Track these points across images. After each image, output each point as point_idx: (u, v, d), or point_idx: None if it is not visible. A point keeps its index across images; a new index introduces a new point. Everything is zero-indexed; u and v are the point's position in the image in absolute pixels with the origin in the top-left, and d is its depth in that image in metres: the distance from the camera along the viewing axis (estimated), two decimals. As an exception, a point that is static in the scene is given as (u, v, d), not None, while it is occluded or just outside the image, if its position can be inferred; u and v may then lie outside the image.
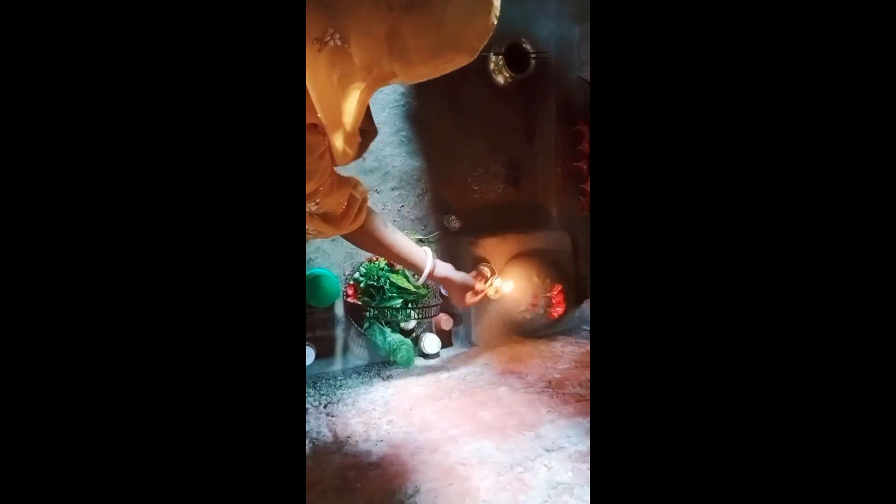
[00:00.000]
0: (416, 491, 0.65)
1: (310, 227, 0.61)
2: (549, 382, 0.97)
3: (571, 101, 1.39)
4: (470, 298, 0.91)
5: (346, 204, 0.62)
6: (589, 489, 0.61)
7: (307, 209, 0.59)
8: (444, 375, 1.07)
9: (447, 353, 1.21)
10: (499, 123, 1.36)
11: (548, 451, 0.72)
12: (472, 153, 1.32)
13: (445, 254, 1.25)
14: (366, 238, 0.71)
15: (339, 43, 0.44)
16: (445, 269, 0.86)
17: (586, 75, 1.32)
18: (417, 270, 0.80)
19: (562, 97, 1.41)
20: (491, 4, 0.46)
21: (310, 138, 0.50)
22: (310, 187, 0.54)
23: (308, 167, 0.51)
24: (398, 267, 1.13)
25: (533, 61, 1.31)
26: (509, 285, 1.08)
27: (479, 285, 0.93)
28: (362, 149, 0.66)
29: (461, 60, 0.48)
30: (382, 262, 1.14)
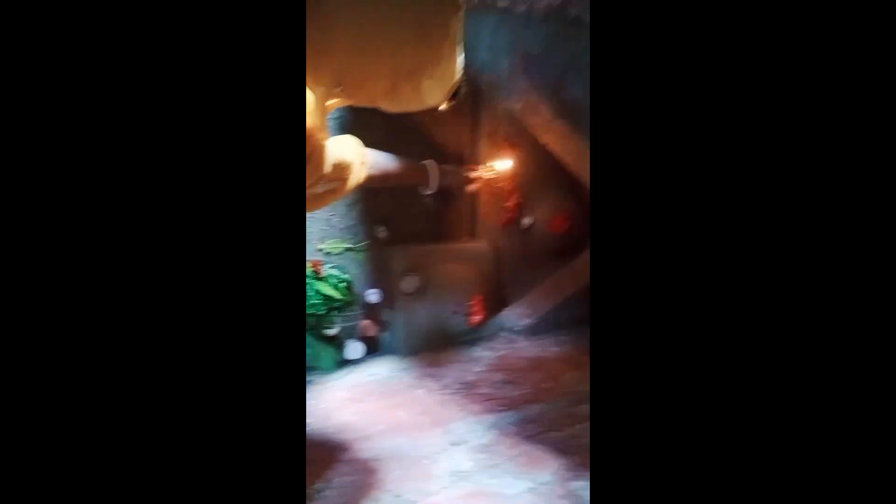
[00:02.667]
0: (328, 485, 0.68)
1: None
2: (465, 384, 1.05)
3: (499, 128, 1.51)
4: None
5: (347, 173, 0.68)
6: (497, 476, 0.69)
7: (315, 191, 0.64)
8: (365, 380, 1.11)
9: (370, 358, 1.25)
10: (429, 142, 1.44)
11: (454, 444, 0.79)
12: (405, 167, 1.39)
13: (373, 263, 1.30)
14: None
15: (340, 93, 0.53)
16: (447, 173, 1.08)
17: (512, 104, 1.46)
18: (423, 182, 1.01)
19: (490, 123, 1.53)
20: (456, 69, 0.57)
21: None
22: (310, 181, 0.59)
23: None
24: (323, 274, 1.16)
25: (463, 88, 1.42)
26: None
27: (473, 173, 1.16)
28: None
29: (434, 106, 0.60)
30: (309, 271, 1.16)
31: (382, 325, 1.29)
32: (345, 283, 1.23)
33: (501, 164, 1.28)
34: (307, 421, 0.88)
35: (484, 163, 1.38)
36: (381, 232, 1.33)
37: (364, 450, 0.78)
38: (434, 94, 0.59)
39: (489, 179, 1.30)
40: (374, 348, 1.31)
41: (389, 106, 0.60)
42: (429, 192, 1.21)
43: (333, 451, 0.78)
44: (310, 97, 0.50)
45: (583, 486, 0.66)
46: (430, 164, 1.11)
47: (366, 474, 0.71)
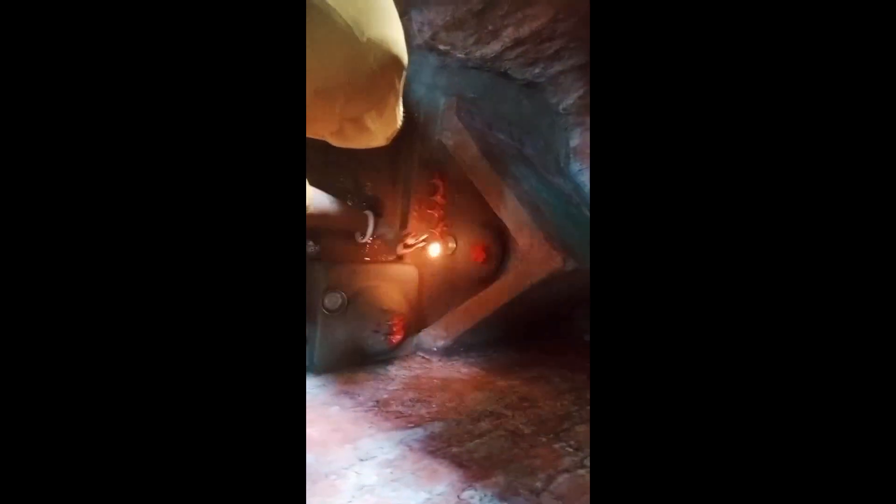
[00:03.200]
0: (232, 503, 0.70)
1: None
2: (377, 402, 1.11)
3: (432, 157, 1.63)
4: (401, 249, 1.29)
5: None
6: (398, 489, 0.76)
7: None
8: (279, 395, 1.12)
9: (287, 373, 1.26)
10: (366, 163, 1.50)
11: (361, 460, 0.85)
12: (339, 185, 1.43)
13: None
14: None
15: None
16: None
17: (445, 139, 1.58)
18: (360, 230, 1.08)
19: (424, 152, 1.64)
20: (398, 117, 0.65)
21: None
22: None
23: None
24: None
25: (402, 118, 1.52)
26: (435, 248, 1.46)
27: (409, 240, 1.28)
28: None
29: (378, 145, 0.68)
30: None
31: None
32: (265, 297, 1.23)
33: (433, 245, 1.47)
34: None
35: (417, 217, 1.54)
36: (310, 247, 1.35)
37: (273, 467, 0.80)
38: (378, 137, 0.67)
39: (418, 246, 1.47)
40: (289, 363, 1.31)
41: (336, 142, 0.67)
42: (363, 241, 1.34)
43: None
44: None
45: (472, 495, 0.76)
46: (367, 214, 1.23)
47: (273, 491, 0.74)
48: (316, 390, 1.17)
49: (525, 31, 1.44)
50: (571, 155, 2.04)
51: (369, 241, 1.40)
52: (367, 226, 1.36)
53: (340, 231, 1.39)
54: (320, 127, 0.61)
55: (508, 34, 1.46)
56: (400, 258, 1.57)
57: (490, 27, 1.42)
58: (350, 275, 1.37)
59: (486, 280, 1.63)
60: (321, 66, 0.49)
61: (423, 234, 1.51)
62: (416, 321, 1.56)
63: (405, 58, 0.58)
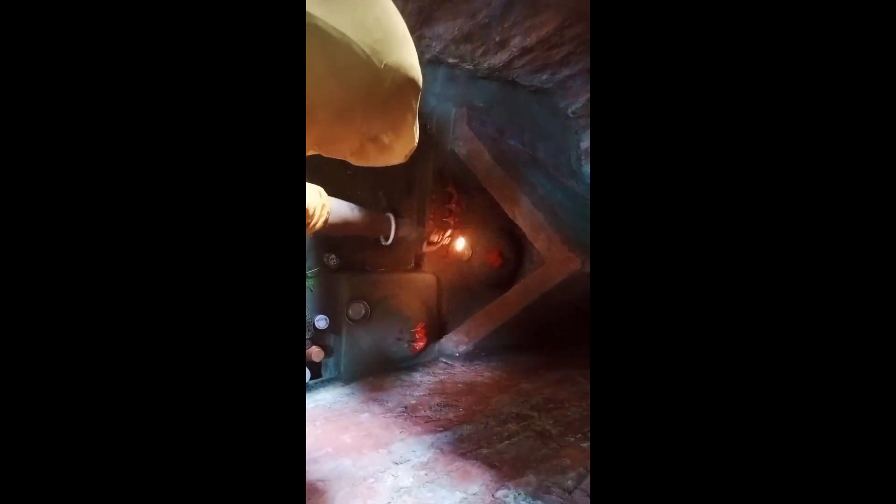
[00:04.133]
0: (277, 507, 0.73)
1: None
2: (406, 407, 1.14)
3: (445, 166, 1.66)
4: (426, 248, 1.33)
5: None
6: (434, 490, 0.78)
7: None
8: (311, 405, 1.15)
9: (316, 383, 1.29)
10: (382, 174, 1.55)
11: (396, 463, 0.87)
12: (357, 196, 1.48)
13: (324, 289, 1.35)
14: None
15: (317, 148, 0.64)
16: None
17: (458, 148, 1.62)
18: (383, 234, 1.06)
19: (438, 162, 1.68)
20: (415, 136, 0.69)
21: None
22: None
23: None
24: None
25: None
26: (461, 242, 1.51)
27: (433, 236, 1.33)
28: None
29: (397, 163, 0.73)
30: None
31: (327, 350, 1.34)
32: (292, 310, 1.27)
33: (458, 239, 1.51)
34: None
35: (440, 218, 1.57)
36: (332, 260, 1.39)
37: (312, 472, 0.83)
38: (397, 155, 0.70)
39: (444, 245, 1.50)
40: (317, 373, 1.34)
41: (356, 161, 0.71)
42: (387, 243, 1.38)
43: (282, 474, 0.82)
44: None
45: (506, 494, 0.78)
46: (389, 216, 1.27)
47: (315, 494, 0.77)
48: (345, 398, 1.20)
49: (532, 39, 1.47)
50: (582, 157, 2.06)
51: (392, 243, 1.44)
52: (389, 228, 1.40)
53: (362, 238, 1.43)
54: (343, 147, 0.66)
55: (516, 44, 1.49)
56: (418, 266, 1.61)
57: (497, 38, 1.46)
58: (371, 285, 1.41)
59: (502, 285, 1.65)
60: (342, 90, 0.53)
61: (447, 232, 1.55)
62: (437, 327, 1.59)
63: (420, 80, 0.62)
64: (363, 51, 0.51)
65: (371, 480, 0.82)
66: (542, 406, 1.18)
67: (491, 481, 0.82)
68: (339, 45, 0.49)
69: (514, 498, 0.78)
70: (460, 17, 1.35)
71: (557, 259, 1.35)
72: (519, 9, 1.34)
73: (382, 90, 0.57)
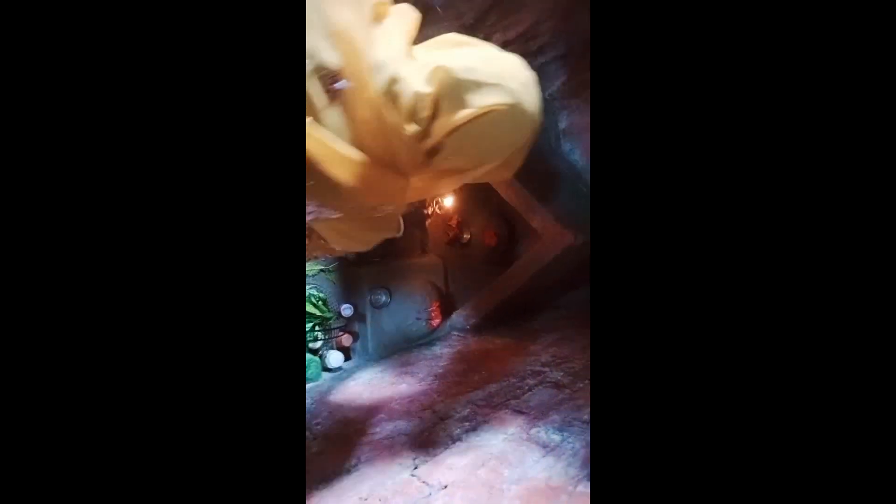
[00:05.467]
0: (358, 461, 0.89)
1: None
2: (436, 375, 1.31)
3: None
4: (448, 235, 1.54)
5: None
6: (479, 434, 0.96)
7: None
8: (351, 383, 1.30)
9: (349, 365, 1.44)
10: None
11: (442, 419, 1.04)
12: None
13: (344, 281, 1.48)
14: None
15: (440, 209, 0.82)
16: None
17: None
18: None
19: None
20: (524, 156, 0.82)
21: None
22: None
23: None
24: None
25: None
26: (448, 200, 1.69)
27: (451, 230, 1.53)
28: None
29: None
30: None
31: (355, 335, 1.48)
32: (322, 301, 1.40)
33: (446, 200, 1.62)
34: (315, 422, 1.07)
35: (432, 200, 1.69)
36: (350, 254, 1.51)
37: (375, 433, 0.99)
38: (510, 173, 0.87)
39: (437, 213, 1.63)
40: (348, 356, 1.49)
41: (480, 179, 0.87)
42: (399, 235, 1.50)
43: (351, 438, 0.98)
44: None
45: (538, 431, 0.97)
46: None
47: (383, 450, 0.93)
48: (380, 374, 1.35)
49: (511, 34, 1.60)
50: (562, 136, 2.22)
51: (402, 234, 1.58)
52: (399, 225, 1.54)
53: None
54: (495, 174, 0.83)
55: (497, 39, 1.61)
56: (424, 251, 1.75)
57: (481, 35, 1.57)
58: (387, 273, 1.55)
59: (500, 262, 1.81)
60: (510, 144, 0.73)
61: (465, 234, 1.70)
62: (447, 305, 1.75)
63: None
64: (532, 111, 0.73)
65: (426, 433, 0.98)
66: (550, 362, 1.37)
67: (524, 423, 1.01)
68: (516, 108, 0.67)
69: (546, 432, 0.96)
70: (449, 18, 1.46)
71: (552, 235, 1.53)
72: (499, 10, 1.46)
73: (510, 137, 0.74)
